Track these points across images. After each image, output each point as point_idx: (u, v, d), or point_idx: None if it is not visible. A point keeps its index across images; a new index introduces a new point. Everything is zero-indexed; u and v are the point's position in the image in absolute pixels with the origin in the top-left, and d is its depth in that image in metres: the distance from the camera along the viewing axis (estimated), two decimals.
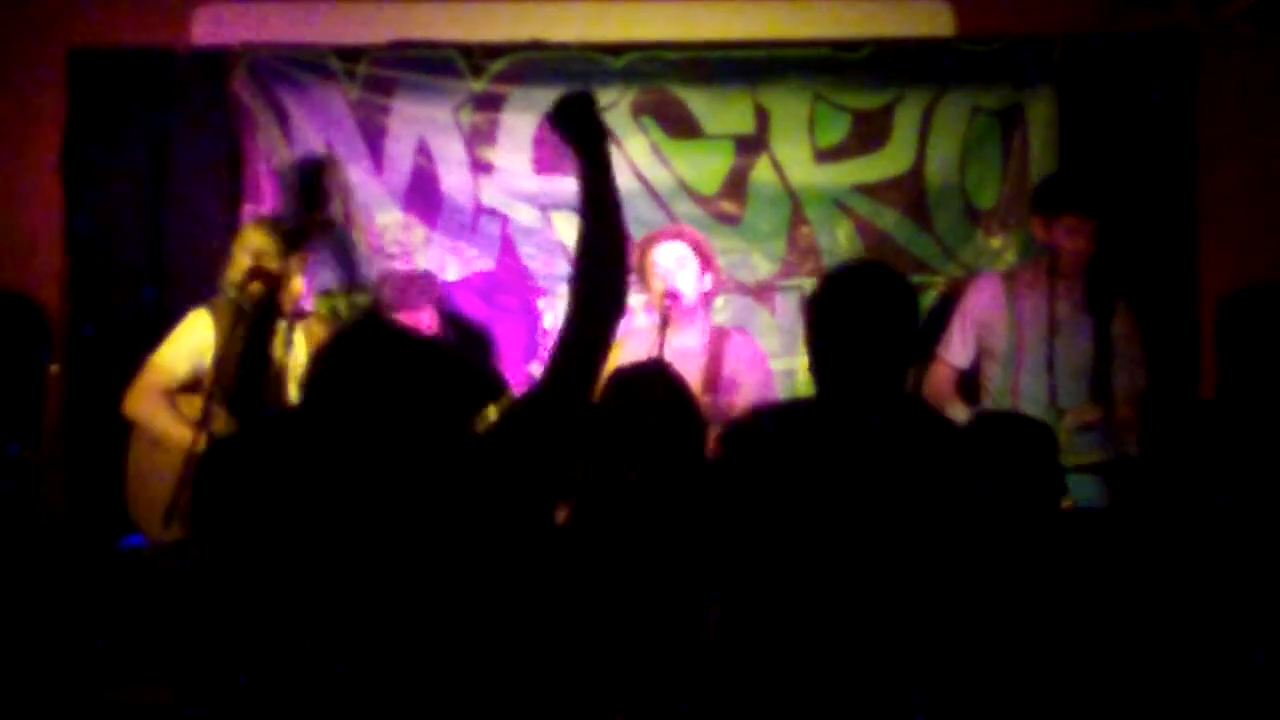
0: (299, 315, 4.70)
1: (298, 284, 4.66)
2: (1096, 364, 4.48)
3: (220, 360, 4.41)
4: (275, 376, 4.58)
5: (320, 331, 4.76)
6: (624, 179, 5.29)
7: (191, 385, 4.58)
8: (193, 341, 4.59)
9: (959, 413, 4.60)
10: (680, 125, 5.40)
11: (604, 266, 2.74)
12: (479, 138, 5.39)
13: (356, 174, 5.37)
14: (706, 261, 4.73)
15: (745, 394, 4.59)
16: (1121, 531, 4.12)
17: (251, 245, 4.56)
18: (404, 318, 4.80)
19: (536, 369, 5.34)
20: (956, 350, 4.82)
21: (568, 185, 5.36)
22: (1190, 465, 3.07)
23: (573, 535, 3.01)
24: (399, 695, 2.46)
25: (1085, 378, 4.56)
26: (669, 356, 4.20)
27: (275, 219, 4.90)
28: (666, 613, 2.71)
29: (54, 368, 4.53)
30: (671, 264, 4.68)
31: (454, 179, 5.39)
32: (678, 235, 4.78)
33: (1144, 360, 4.70)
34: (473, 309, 5.28)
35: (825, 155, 5.41)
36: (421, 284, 4.96)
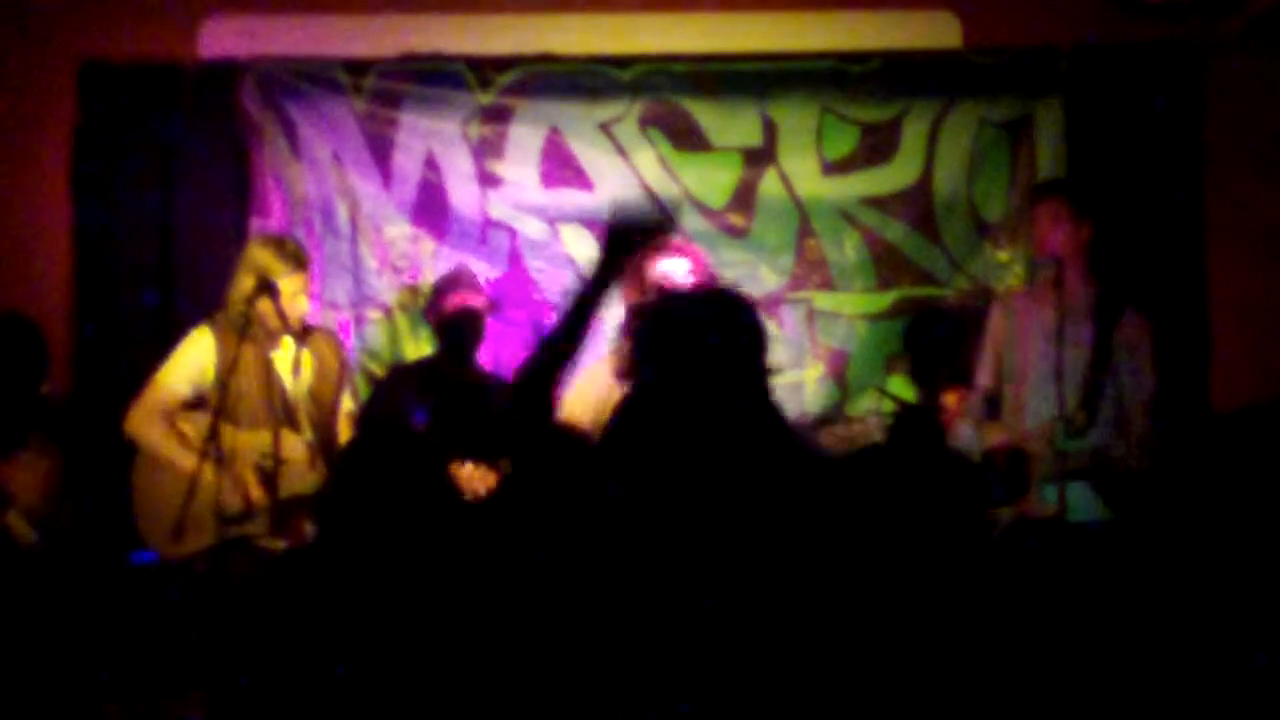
0: (305, 332, 4.68)
1: (303, 302, 4.64)
2: (1092, 370, 4.47)
3: (224, 378, 4.40)
4: (283, 397, 4.57)
5: (327, 350, 4.74)
6: (632, 192, 5.34)
7: (195, 403, 4.56)
8: (195, 360, 4.55)
9: (991, 434, 4.59)
10: (688, 138, 5.40)
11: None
12: (487, 151, 5.39)
13: (364, 187, 5.37)
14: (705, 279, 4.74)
15: None
16: (1124, 543, 4.12)
17: (256, 263, 4.54)
18: (456, 296, 4.88)
19: None
20: (980, 372, 4.74)
21: (575, 198, 5.39)
22: (1199, 478, 3.07)
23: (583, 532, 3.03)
24: None
25: (1082, 384, 4.55)
26: None
27: (279, 236, 4.89)
28: (667, 611, 2.69)
29: (45, 387, 4.54)
30: (679, 277, 4.67)
31: (462, 192, 5.39)
32: (684, 252, 4.77)
33: (1154, 366, 4.68)
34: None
35: (833, 167, 5.41)
36: (470, 274, 5.08)
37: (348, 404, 4.82)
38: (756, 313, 2.84)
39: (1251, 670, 2.64)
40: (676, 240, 4.99)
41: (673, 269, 4.68)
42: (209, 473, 4.18)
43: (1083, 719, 2.81)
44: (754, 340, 2.75)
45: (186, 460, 4.29)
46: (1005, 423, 4.60)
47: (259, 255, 4.57)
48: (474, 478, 4.47)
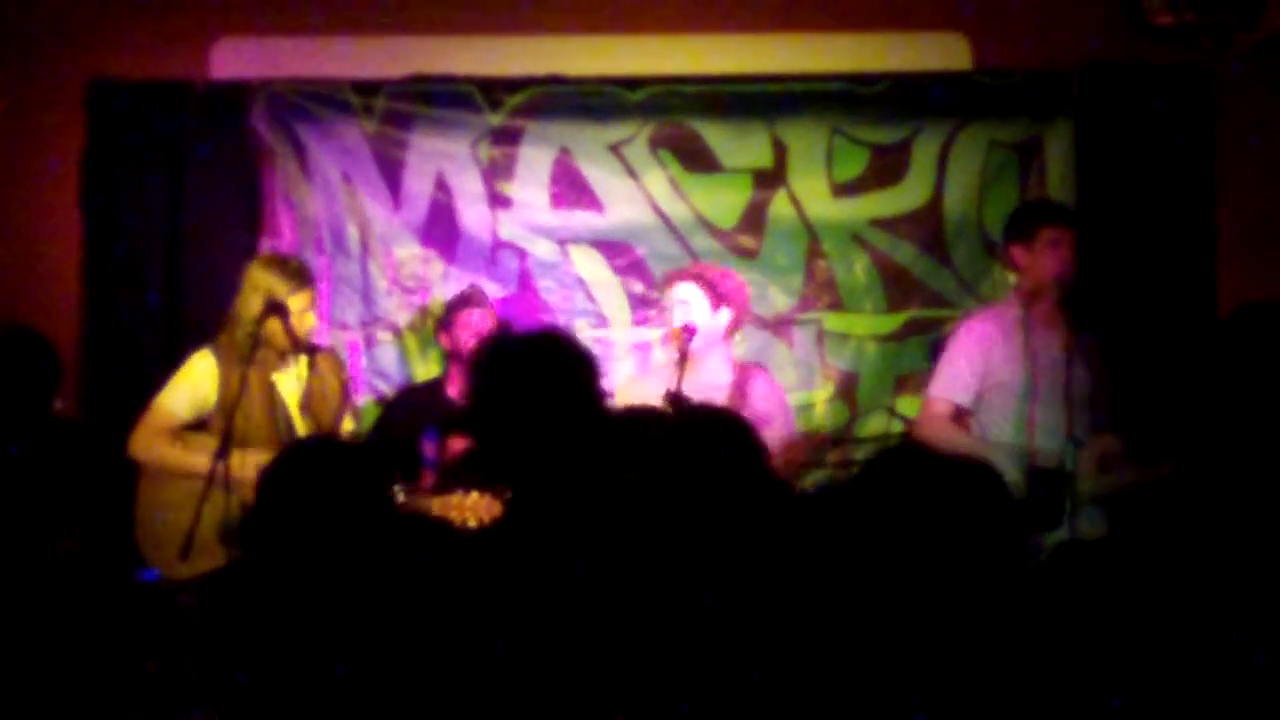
0: (311, 351, 4.67)
1: (310, 319, 4.63)
2: (1097, 391, 4.47)
3: (228, 402, 4.38)
4: (287, 420, 4.56)
5: (329, 371, 4.73)
6: (642, 213, 5.35)
7: (196, 425, 4.55)
8: (196, 384, 4.55)
9: (963, 445, 4.53)
10: (698, 159, 5.40)
11: None
12: (497, 172, 5.39)
13: (374, 208, 5.37)
14: (719, 299, 4.65)
15: (775, 429, 4.54)
16: (1126, 557, 4.10)
17: (261, 284, 4.53)
18: (467, 315, 4.92)
19: None
20: (963, 387, 4.62)
21: (585, 220, 5.40)
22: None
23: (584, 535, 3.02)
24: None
25: (1086, 406, 4.52)
26: (695, 391, 4.22)
27: (280, 255, 4.88)
28: (666, 612, 2.68)
29: (58, 403, 4.53)
30: (678, 302, 4.66)
31: (472, 213, 5.39)
32: (688, 275, 4.76)
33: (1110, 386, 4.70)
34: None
35: (843, 189, 5.41)
36: (481, 294, 5.11)
37: (348, 425, 4.81)
38: (581, 346, 2.98)
39: (1252, 670, 2.61)
40: (690, 265, 5.01)
41: (680, 292, 4.67)
42: (217, 495, 4.16)
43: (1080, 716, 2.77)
44: (573, 372, 2.90)
45: (199, 461, 4.27)
46: (976, 437, 4.58)
47: (263, 276, 4.56)
48: (478, 506, 4.42)
